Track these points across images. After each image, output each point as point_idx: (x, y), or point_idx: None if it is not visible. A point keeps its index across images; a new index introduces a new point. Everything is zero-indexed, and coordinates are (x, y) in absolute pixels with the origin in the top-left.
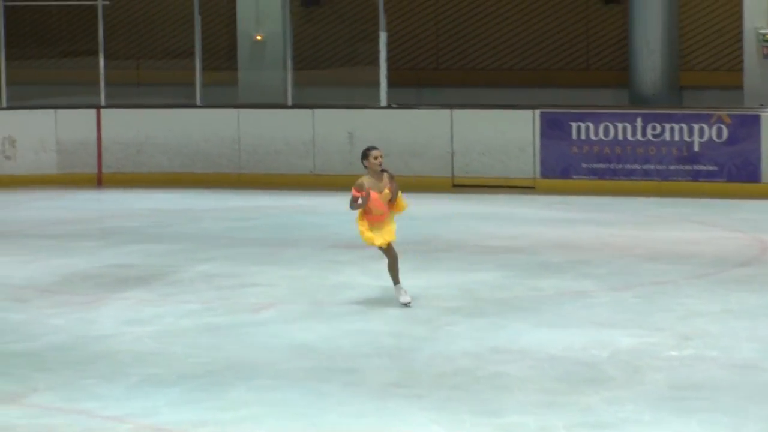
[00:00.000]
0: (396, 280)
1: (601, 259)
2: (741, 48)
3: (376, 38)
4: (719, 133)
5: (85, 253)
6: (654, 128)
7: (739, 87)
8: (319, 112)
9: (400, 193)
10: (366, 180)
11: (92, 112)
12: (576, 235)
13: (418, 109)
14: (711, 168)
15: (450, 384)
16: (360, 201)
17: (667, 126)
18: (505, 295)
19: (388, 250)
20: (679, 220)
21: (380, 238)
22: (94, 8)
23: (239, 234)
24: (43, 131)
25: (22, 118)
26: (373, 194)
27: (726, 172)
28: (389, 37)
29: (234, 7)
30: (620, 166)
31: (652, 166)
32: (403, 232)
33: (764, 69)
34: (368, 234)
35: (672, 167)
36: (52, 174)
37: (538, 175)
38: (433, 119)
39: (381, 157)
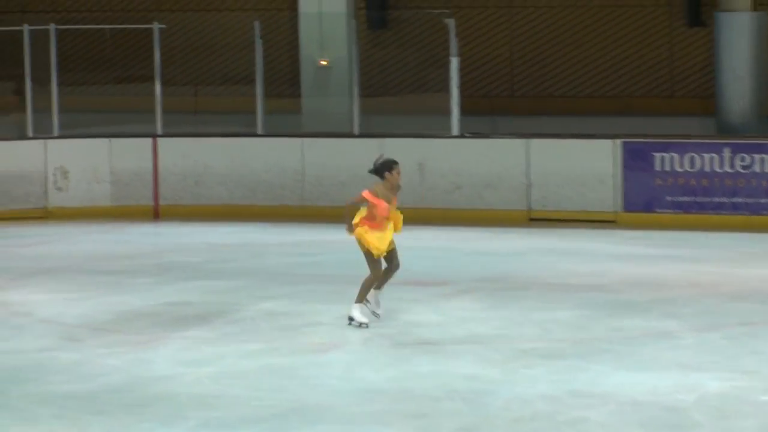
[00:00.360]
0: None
1: (686, 297)
2: None
3: (448, 63)
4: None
5: (141, 289)
6: (743, 159)
7: None
8: (387, 141)
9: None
10: (379, 190)
11: (148, 141)
12: (660, 272)
13: (492, 138)
14: None
15: (527, 430)
16: (362, 204)
17: (757, 156)
18: (585, 335)
19: (379, 261)
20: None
21: (381, 247)
22: (150, 32)
23: (303, 270)
24: (96, 161)
25: (75, 147)
26: (384, 204)
27: None
28: (461, 62)
29: (297, 31)
30: (707, 199)
31: (741, 200)
32: (477, 268)
33: None
34: (374, 240)
35: (762, 200)
36: (106, 206)
37: (619, 208)
38: (508, 149)
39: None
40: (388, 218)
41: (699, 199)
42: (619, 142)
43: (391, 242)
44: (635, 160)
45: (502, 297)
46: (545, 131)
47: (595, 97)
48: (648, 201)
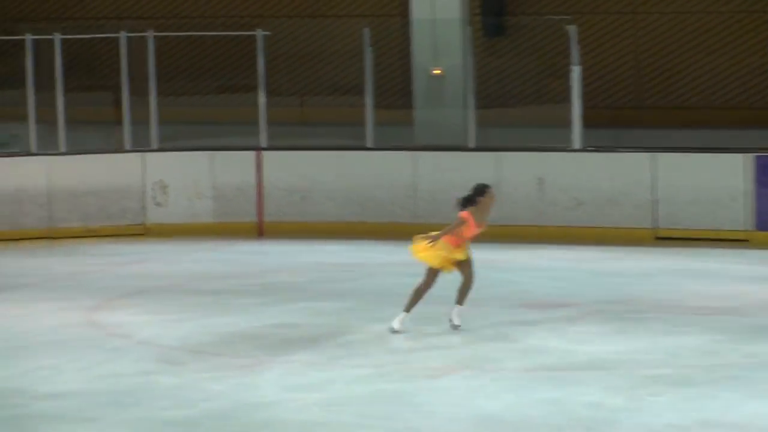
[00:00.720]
0: (407, 308)
1: None
2: None
3: (569, 72)
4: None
5: (244, 311)
6: None
7: None
8: (504, 155)
9: None
10: (474, 212)
11: (252, 154)
12: None
13: (617, 152)
14: None
15: None
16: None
17: None
18: (716, 361)
19: (431, 273)
20: None
21: (436, 260)
22: (253, 40)
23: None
24: (197, 175)
25: (175, 160)
26: (474, 228)
27: None
28: (583, 71)
29: (409, 38)
30: None
31: None
32: (600, 290)
33: None
34: (431, 251)
35: None
36: (208, 223)
37: (752, 227)
38: (633, 163)
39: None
40: (463, 240)
41: None
42: (751, 156)
43: (464, 257)
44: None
45: (628, 320)
46: (673, 144)
47: (726, 108)
48: None
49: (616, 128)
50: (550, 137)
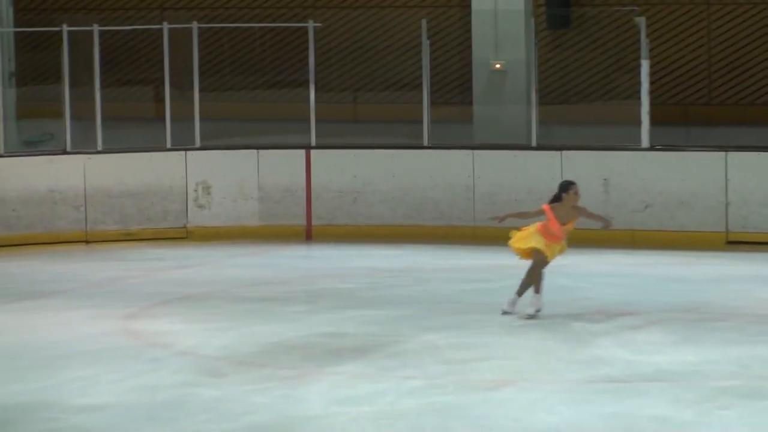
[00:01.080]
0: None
1: None
2: None
3: (637, 67)
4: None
5: (291, 319)
6: None
7: None
8: (568, 154)
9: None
10: (557, 208)
11: (300, 153)
12: None
13: (687, 151)
14: None
15: None
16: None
17: None
18: None
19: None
20: None
21: (516, 244)
22: (304, 32)
23: (473, 298)
24: (242, 175)
25: (219, 159)
26: (556, 226)
27: None
28: (653, 66)
29: (469, 31)
30: None
31: None
32: (668, 297)
33: None
34: (519, 238)
35: None
36: (253, 225)
37: None
38: (704, 163)
39: (579, 195)
40: (562, 236)
41: None
42: None
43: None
44: None
45: (697, 329)
46: (746, 143)
47: None
48: None
49: (686, 126)
50: (616, 136)
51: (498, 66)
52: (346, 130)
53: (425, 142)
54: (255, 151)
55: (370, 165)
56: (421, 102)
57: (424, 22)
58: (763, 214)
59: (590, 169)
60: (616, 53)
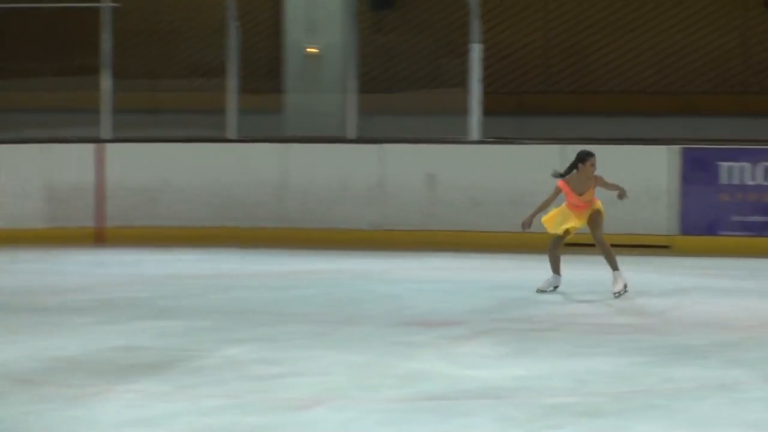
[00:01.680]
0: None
1: (756, 340)
2: None
3: (468, 52)
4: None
5: (79, 332)
6: None
7: None
8: (389, 147)
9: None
10: (572, 181)
11: (91, 147)
12: (724, 309)
13: (521, 144)
14: None
15: None
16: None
17: None
18: (628, 388)
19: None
20: None
21: (560, 228)
22: (97, 13)
23: (282, 308)
24: (26, 173)
25: (0, 155)
26: (574, 196)
27: None
28: (485, 51)
29: (281, 12)
30: None
31: None
32: (497, 305)
33: None
34: (551, 222)
35: None
36: (38, 228)
37: (675, 230)
38: (540, 157)
39: (596, 166)
40: (586, 205)
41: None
42: (677, 149)
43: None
44: (696, 170)
45: (528, 340)
46: (586, 135)
47: (648, 93)
48: (711, 222)
49: (521, 116)
50: (444, 127)
51: (313, 50)
52: (144, 121)
53: (231, 135)
54: (40, 145)
55: (170, 160)
56: (227, 90)
57: (231, 3)
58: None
59: (413, 163)
60: (444, 37)
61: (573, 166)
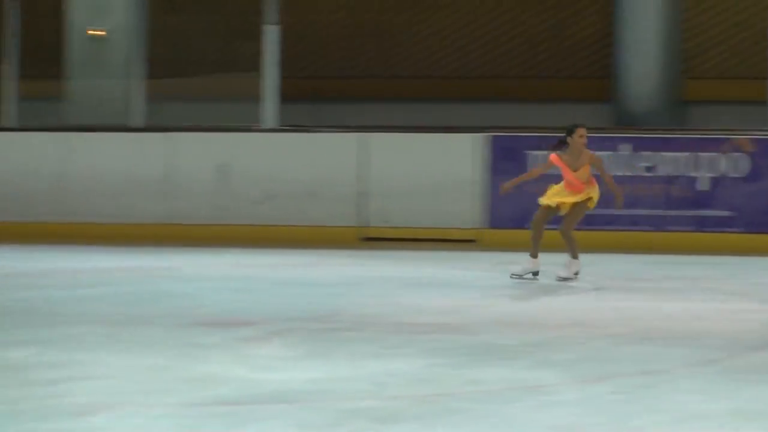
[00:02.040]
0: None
1: (567, 340)
2: None
3: (262, 34)
4: (736, 166)
5: None
6: (646, 158)
7: (764, 101)
8: (178, 136)
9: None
10: (564, 156)
11: None
12: (533, 307)
13: (318, 132)
14: (723, 214)
15: None
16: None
17: (666, 156)
18: (432, 390)
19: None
20: (677, 286)
21: (551, 200)
22: None
23: (66, 308)
24: None
25: None
26: (568, 171)
27: (744, 220)
28: (282, 33)
29: None
30: (596, 210)
31: (642, 212)
32: (292, 304)
33: None
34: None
35: (670, 213)
36: None
37: (482, 224)
38: (338, 147)
39: (586, 136)
40: (582, 186)
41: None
42: (483, 136)
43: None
44: (505, 160)
45: (326, 341)
46: (389, 123)
47: (454, 78)
48: (520, 214)
49: (318, 103)
50: (237, 114)
51: (97, 33)
52: None
53: (10, 123)
54: None
55: None
56: (3, 76)
57: None
58: (406, 206)
59: (204, 153)
60: (238, 17)
61: (563, 141)
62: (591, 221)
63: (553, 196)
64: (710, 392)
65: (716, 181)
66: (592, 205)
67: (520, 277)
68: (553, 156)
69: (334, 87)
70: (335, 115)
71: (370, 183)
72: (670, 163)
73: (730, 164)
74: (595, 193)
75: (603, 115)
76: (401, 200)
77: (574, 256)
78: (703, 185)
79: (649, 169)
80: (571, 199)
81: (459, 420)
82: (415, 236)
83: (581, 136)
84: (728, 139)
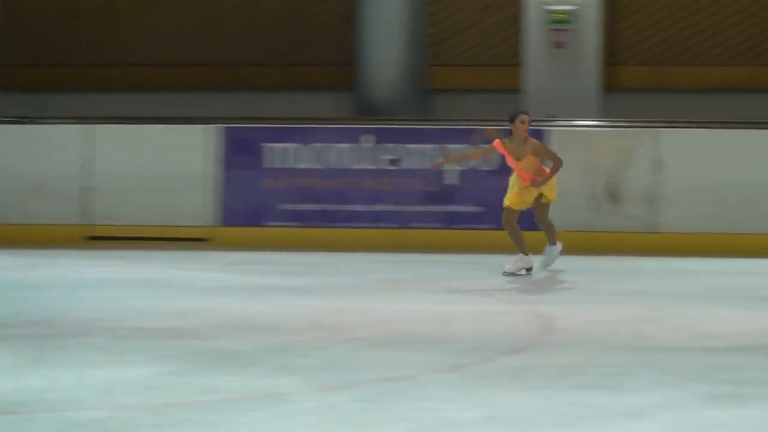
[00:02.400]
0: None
1: (306, 345)
2: (519, 34)
3: None
4: (486, 159)
5: None
6: (391, 151)
7: (516, 89)
8: None
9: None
10: (508, 143)
11: None
12: (270, 310)
13: (40, 123)
14: (473, 209)
15: None
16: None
17: (411, 148)
18: (164, 400)
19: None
20: (425, 286)
21: (512, 201)
22: None
23: None
24: None
25: None
26: (511, 159)
27: (494, 216)
28: (1, 19)
29: None
30: (338, 207)
31: (386, 207)
32: (12, 307)
33: (553, 63)
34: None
35: (416, 209)
36: None
37: (215, 221)
38: (60, 138)
39: (528, 123)
40: (526, 178)
41: (327, 207)
42: (215, 127)
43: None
44: (238, 153)
45: (49, 348)
46: (116, 113)
47: (187, 65)
48: (255, 211)
49: (39, 92)
50: None
51: None
52: None
53: None
54: None
55: None
56: None
57: None
58: (132, 203)
59: None
60: None
61: (509, 131)
62: (333, 218)
63: (515, 196)
64: (460, 399)
65: (465, 175)
66: (551, 198)
67: (513, 274)
68: (497, 141)
69: (56, 75)
70: (63, 105)
71: (96, 177)
72: (415, 155)
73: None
74: (549, 184)
75: (345, 105)
76: (128, 196)
77: (524, 252)
78: (450, 179)
79: (393, 162)
80: (530, 196)
81: (194, 430)
82: (144, 235)
83: (522, 123)
84: (477, 130)
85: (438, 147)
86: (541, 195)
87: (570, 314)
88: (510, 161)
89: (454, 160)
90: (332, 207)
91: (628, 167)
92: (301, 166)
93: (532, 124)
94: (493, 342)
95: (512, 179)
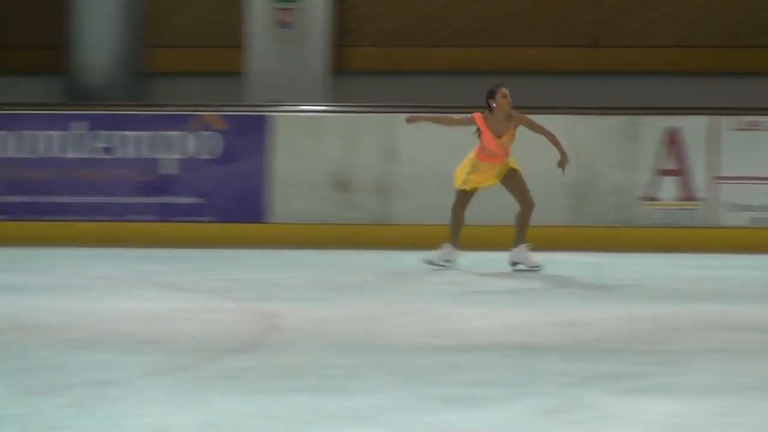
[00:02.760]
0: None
1: (11, 347)
2: (242, 13)
3: None
4: (206, 146)
5: None
6: (104, 138)
7: (239, 72)
8: None
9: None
10: (489, 119)
11: None
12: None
13: None
14: (192, 201)
15: None
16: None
17: (127, 135)
18: None
19: (461, 197)
20: (141, 283)
21: (466, 183)
22: None
23: None
24: None
25: None
26: (489, 135)
27: (215, 208)
28: None
29: None
30: (49, 199)
31: (99, 199)
32: None
33: (278, 45)
34: (459, 169)
35: (131, 200)
36: None
37: None
38: None
39: (509, 96)
40: (503, 156)
41: (35, 198)
42: None
43: (512, 176)
44: None
45: None
46: None
47: None
48: None
49: None
50: None
51: None
52: None
53: None
54: None
55: None
56: None
57: None
58: None
59: None
60: None
61: (488, 106)
62: (41, 210)
63: (469, 178)
64: (177, 404)
65: (183, 164)
66: (519, 170)
67: (431, 263)
68: (477, 114)
69: None
70: None
71: None
72: (130, 143)
73: (199, 144)
74: (512, 161)
75: (55, 89)
76: None
77: (455, 245)
78: (168, 168)
79: (107, 150)
80: (491, 180)
81: None
82: None
83: (504, 96)
84: (196, 115)
85: (155, 134)
86: (507, 168)
87: (295, 312)
88: (487, 139)
89: (429, 120)
90: (41, 199)
91: (358, 155)
92: (7, 155)
93: (257, 110)
94: (212, 342)
95: (470, 159)
